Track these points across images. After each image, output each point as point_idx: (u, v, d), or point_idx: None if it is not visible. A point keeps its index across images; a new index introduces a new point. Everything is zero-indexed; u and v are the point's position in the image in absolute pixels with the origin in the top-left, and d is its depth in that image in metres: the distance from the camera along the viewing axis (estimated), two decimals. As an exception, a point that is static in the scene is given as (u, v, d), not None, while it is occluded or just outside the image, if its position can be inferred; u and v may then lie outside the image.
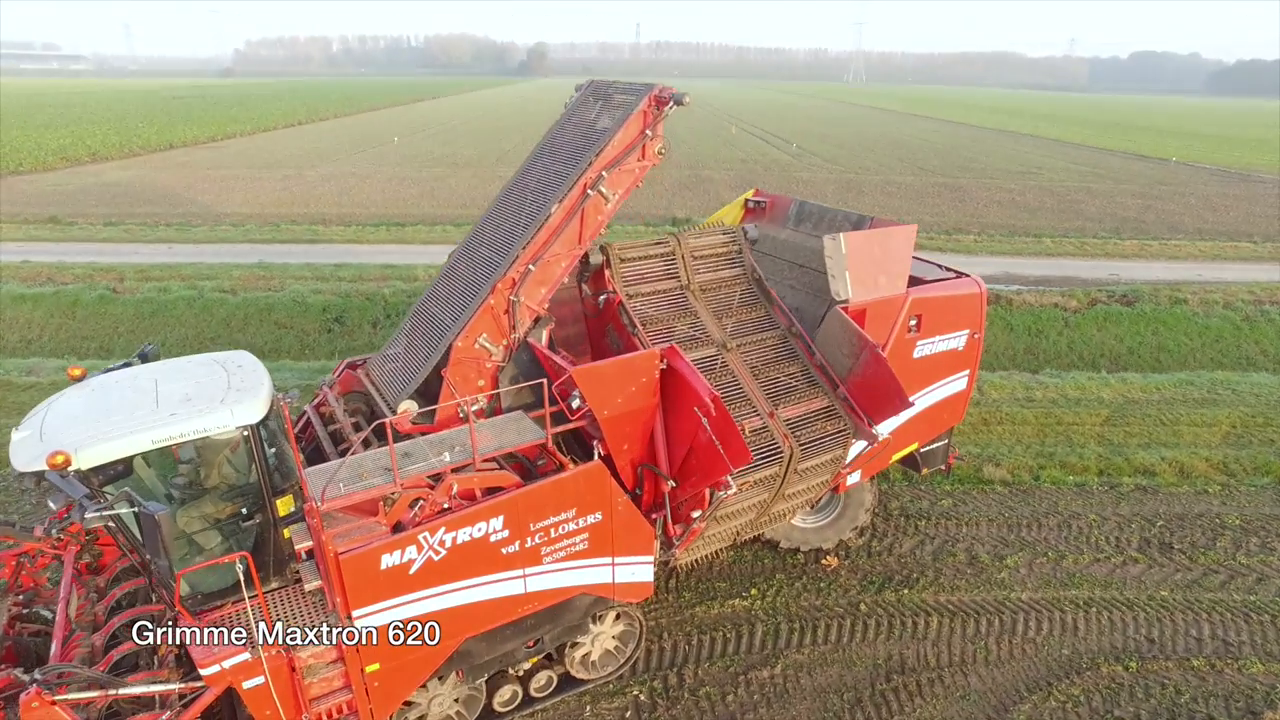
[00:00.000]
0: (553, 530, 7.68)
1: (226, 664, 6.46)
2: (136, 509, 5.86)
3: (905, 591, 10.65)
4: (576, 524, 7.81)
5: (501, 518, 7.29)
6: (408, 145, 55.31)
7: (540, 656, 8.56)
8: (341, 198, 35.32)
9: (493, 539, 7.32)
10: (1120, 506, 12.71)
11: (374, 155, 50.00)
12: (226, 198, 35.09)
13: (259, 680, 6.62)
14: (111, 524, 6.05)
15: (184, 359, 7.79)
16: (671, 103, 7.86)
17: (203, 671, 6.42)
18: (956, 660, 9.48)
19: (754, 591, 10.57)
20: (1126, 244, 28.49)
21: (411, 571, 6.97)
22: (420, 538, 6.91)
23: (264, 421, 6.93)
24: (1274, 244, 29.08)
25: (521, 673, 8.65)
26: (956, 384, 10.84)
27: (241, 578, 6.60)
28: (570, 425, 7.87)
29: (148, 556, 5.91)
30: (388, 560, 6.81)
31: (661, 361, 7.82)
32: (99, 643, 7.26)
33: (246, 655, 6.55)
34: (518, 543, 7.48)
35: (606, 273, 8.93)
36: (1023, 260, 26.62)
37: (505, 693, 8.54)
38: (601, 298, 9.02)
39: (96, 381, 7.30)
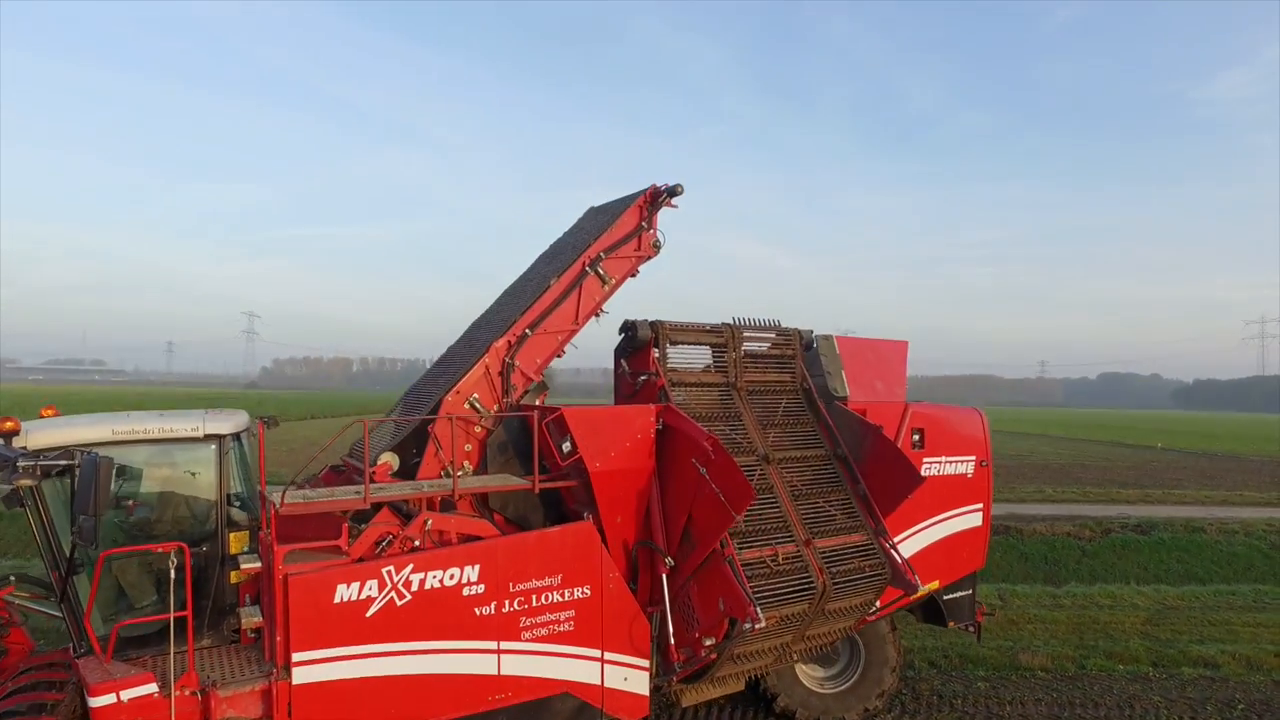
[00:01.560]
0: (535, 598, 6.79)
1: (125, 695, 5.31)
2: (78, 460, 5.28)
3: (951, 762, 8.90)
4: (562, 595, 6.92)
5: (478, 567, 6.51)
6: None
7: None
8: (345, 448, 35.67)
9: (466, 592, 6.46)
10: (1187, 691, 11.08)
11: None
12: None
13: (161, 730, 5.37)
14: (35, 491, 5.42)
15: None
16: (665, 194, 8.58)
17: (93, 702, 5.25)
18: (1026, 831, 7.63)
19: (770, 759, 8.84)
20: (1129, 492, 28.20)
21: (369, 614, 6.07)
22: (384, 572, 6.13)
23: (235, 438, 6.52)
24: (1278, 491, 28.77)
25: (484, 818, 6.95)
26: (971, 518, 10.20)
27: (172, 625, 5.66)
28: (559, 482, 7.35)
29: (79, 514, 5.13)
30: (343, 592, 5.97)
31: (658, 421, 7.54)
32: None
33: (153, 687, 5.41)
34: (494, 604, 6.58)
35: (653, 352, 8.25)
36: (1027, 505, 26.05)
37: (462, 845, 6.78)
38: (641, 379, 8.26)
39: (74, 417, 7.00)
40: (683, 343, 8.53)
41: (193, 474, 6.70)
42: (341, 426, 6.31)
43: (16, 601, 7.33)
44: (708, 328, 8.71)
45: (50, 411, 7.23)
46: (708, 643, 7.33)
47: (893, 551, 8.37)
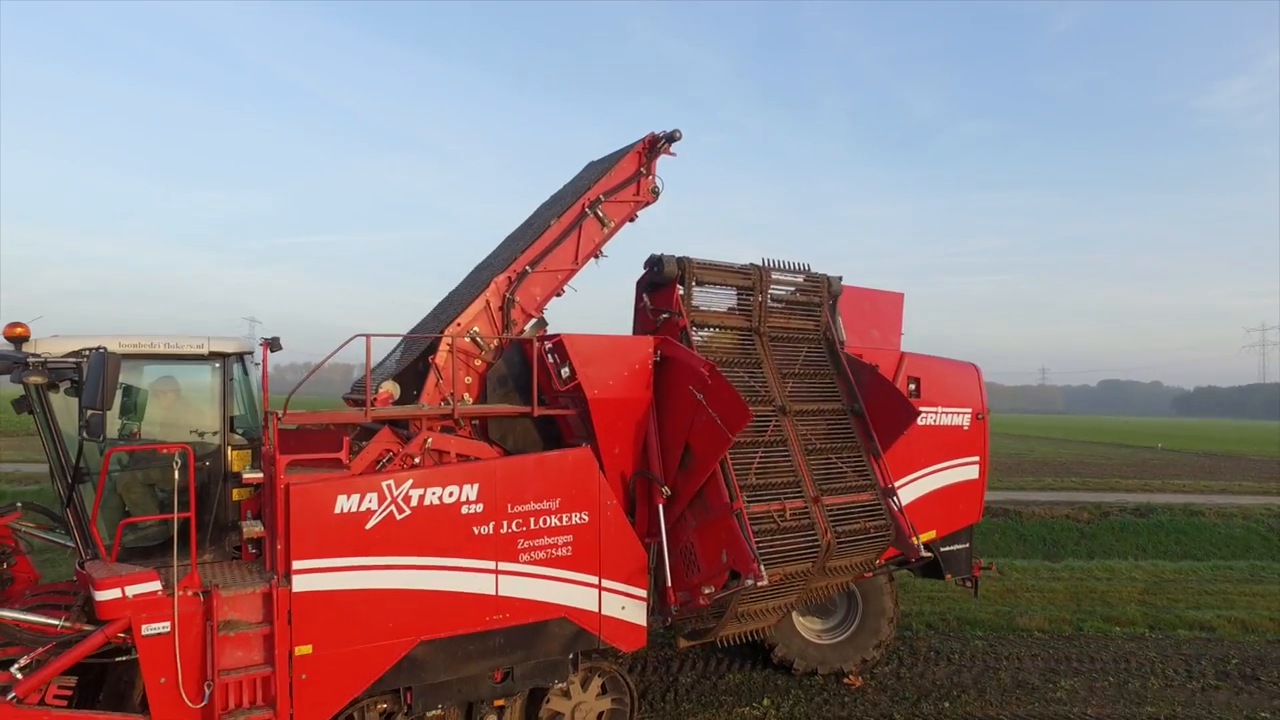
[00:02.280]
0: (533, 520, 6.86)
1: (129, 590, 5.37)
2: (87, 356, 5.38)
3: (946, 705, 8.96)
4: (560, 520, 6.99)
5: (477, 486, 6.58)
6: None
7: (507, 701, 7.01)
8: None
9: (464, 510, 6.53)
10: (1183, 649, 11.14)
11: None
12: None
13: (163, 627, 5.44)
14: (42, 393, 5.52)
15: None
16: (664, 140, 8.68)
17: (99, 595, 5.32)
18: (1021, 765, 7.68)
19: (766, 703, 8.91)
20: (1129, 482, 28.22)
21: (368, 526, 6.13)
22: (384, 485, 6.20)
23: (238, 359, 6.61)
24: (1277, 481, 28.82)
25: (483, 744, 7.00)
26: (967, 470, 10.29)
27: (175, 533, 5.72)
28: (557, 410, 7.44)
29: (88, 408, 5.19)
30: (344, 503, 6.04)
31: (656, 352, 7.64)
32: None
33: (157, 585, 5.47)
34: (492, 524, 6.64)
35: (677, 290, 7.96)
36: (1027, 493, 26.09)
37: (461, 768, 6.84)
38: (663, 317, 7.99)
39: None
40: (709, 283, 8.19)
41: (196, 403, 6.80)
42: (343, 341, 6.39)
43: (23, 529, 7.40)
44: (736, 268, 8.36)
45: None
46: (707, 591, 7.30)
47: (899, 513, 8.28)
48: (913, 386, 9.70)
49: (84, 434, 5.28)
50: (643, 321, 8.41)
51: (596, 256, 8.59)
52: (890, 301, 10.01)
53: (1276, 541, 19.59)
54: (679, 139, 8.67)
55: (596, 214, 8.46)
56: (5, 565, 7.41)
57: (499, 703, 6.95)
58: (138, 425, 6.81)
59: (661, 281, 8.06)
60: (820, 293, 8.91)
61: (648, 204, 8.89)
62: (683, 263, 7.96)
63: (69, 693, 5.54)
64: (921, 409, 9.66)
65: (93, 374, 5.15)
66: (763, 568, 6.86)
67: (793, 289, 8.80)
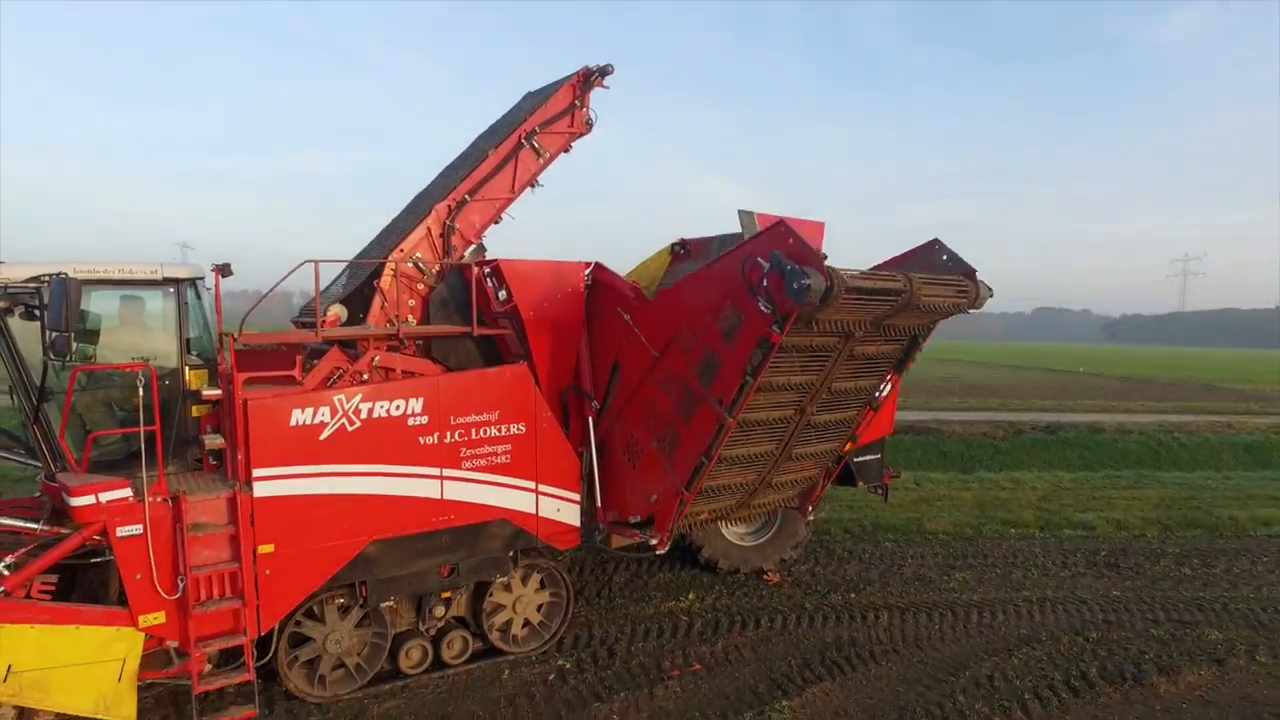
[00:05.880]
0: (474, 431, 7.47)
1: (103, 497, 5.86)
2: (46, 281, 5.73)
3: (852, 596, 10.08)
4: (499, 430, 7.62)
5: (421, 400, 7.14)
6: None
7: (454, 594, 7.77)
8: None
9: (410, 423, 7.11)
10: (1064, 545, 12.54)
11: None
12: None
13: (136, 529, 5.95)
14: (2, 320, 5.86)
15: None
16: (597, 74, 9.04)
17: (74, 501, 5.80)
18: (910, 639, 8.82)
19: (691, 596, 9.89)
20: (1046, 403, 30.21)
21: (322, 437, 6.67)
22: (335, 400, 6.72)
23: (190, 284, 6.95)
24: (1174, 402, 31.23)
25: (433, 632, 7.78)
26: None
27: (143, 446, 6.13)
28: (496, 330, 8.00)
29: (52, 330, 5.56)
30: (298, 416, 6.55)
31: (588, 276, 8.20)
32: None
33: (129, 492, 5.97)
34: (436, 434, 7.24)
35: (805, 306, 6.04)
36: (949, 413, 27.77)
37: (413, 653, 7.62)
38: (763, 309, 6.35)
39: None
40: (846, 307, 6.29)
41: (150, 327, 7.14)
42: (292, 267, 6.77)
43: (-18, 449, 7.71)
44: (888, 286, 6.43)
45: None
46: (632, 520, 8.12)
47: (820, 486, 9.23)
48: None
49: (49, 355, 5.65)
50: (751, 275, 6.38)
51: (533, 185, 9.02)
52: (812, 228, 10.64)
53: (1163, 453, 21.57)
54: (611, 73, 9.04)
55: (532, 145, 8.84)
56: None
57: (446, 595, 7.69)
58: (93, 348, 7.14)
59: (799, 291, 5.93)
60: (962, 309, 7.13)
61: (582, 135, 9.29)
62: (833, 288, 5.94)
63: (52, 588, 6.07)
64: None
65: (55, 298, 5.50)
66: (669, 540, 7.91)
67: (934, 307, 6.83)
